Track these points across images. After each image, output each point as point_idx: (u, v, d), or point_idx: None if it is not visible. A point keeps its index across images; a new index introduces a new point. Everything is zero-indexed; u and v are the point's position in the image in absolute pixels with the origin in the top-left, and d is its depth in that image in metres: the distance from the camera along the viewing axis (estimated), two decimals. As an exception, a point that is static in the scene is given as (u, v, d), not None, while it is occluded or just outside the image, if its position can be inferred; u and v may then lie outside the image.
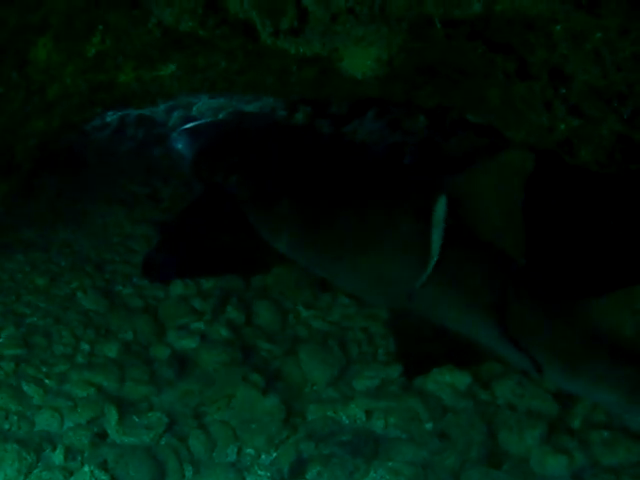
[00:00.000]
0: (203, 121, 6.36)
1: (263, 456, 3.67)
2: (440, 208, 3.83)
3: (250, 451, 3.69)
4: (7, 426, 3.62)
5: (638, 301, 3.66)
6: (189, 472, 3.54)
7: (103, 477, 3.30)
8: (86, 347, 4.16)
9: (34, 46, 3.00)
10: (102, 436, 3.63)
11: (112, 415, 3.66)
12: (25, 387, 3.84)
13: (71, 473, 3.35)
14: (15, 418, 3.65)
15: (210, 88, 3.50)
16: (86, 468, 3.31)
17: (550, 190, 4.54)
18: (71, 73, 3.21)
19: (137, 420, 3.70)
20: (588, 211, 4.62)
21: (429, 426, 3.81)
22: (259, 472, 3.60)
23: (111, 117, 7.01)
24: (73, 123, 3.73)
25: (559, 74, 2.68)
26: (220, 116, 6.97)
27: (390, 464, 3.57)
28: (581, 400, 3.94)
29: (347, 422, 3.87)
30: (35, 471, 3.40)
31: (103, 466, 3.36)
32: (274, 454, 3.66)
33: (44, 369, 3.97)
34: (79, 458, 3.47)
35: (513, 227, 3.98)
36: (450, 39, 2.90)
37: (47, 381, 3.91)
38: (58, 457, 3.46)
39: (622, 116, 2.62)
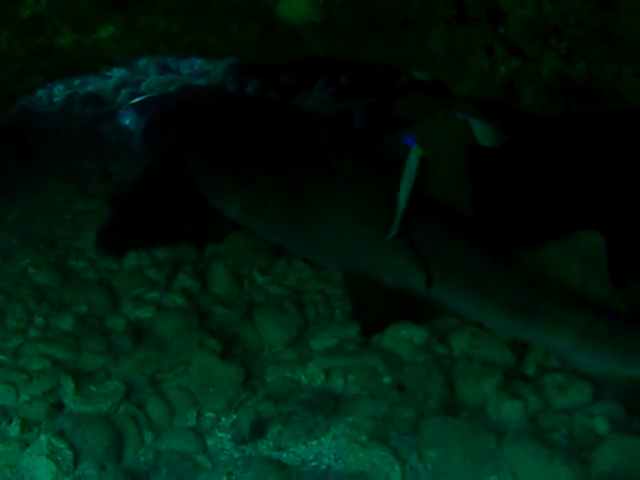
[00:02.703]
0: (150, 95, 6.31)
1: (223, 419, 3.67)
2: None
3: (210, 415, 3.69)
4: (-40, 402, 3.58)
5: (583, 246, 3.70)
6: (149, 438, 3.53)
7: (60, 445, 3.26)
8: (40, 321, 4.12)
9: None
10: (59, 407, 3.60)
11: (68, 385, 3.63)
12: (-21, 363, 3.79)
13: (27, 444, 3.31)
14: (-32, 394, 3.61)
15: (151, 50, 3.45)
16: (42, 438, 3.28)
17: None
18: (7, 37, 3.15)
19: (94, 389, 3.67)
20: (533, 159, 4.66)
21: (387, 380, 3.83)
22: (219, 434, 3.60)
23: (58, 97, 6.94)
24: (14, 93, 3.67)
25: (496, 13, 2.68)
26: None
27: (350, 419, 3.59)
28: (535, 347, 3.98)
29: (306, 382, 3.88)
30: (-9, 444, 3.37)
31: (60, 435, 3.32)
32: (234, 416, 3.66)
33: (-3, 344, 3.93)
34: (36, 429, 3.44)
35: (459, 180, 4.02)
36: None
37: (1, 356, 3.86)
38: (14, 429, 3.43)
39: (559, 52, 2.63)
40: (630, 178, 4.54)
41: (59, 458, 3.23)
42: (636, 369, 3.66)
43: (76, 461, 3.25)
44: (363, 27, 3.31)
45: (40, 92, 6.89)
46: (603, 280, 3.70)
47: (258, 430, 3.56)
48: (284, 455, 3.47)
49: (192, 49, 3.56)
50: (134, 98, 6.31)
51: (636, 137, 4.40)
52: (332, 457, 3.49)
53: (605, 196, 4.53)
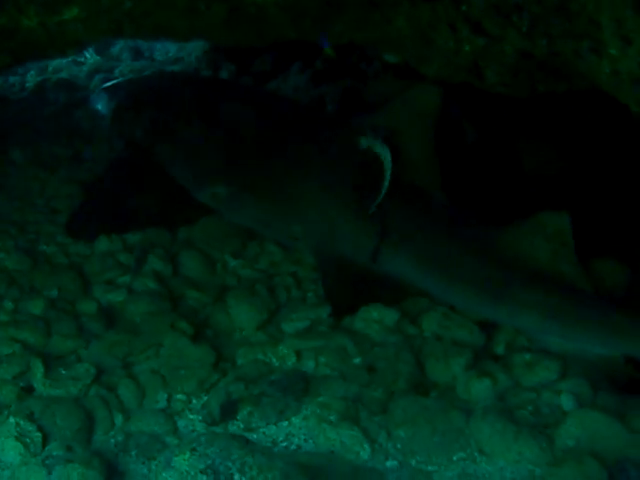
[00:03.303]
0: (121, 79, 6.27)
1: (194, 400, 3.68)
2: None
3: (180, 397, 3.69)
4: None
5: (550, 226, 3.73)
6: (119, 420, 3.54)
7: (29, 427, 3.26)
8: (9, 305, 4.10)
9: None
10: (29, 390, 3.59)
11: (38, 369, 3.63)
12: (-53, 347, 3.78)
13: (-3, 426, 3.31)
14: (-63, 378, 3.60)
15: (117, 31, 3.44)
16: (11, 419, 3.28)
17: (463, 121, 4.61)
18: (-30, 18, 3.14)
19: (64, 372, 3.68)
20: (501, 139, 4.69)
21: (358, 361, 3.85)
22: (190, 416, 3.62)
23: (30, 83, 6.89)
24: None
25: (459, -9, 2.70)
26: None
27: (320, 399, 3.62)
28: (505, 327, 4.01)
29: (277, 364, 3.90)
30: (-40, 427, 3.36)
31: (29, 417, 3.32)
32: (205, 398, 3.67)
33: (-34, 329, 3.91)
34: (5, 412, 3.43)
35: (428, 163, 4.04)
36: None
37: (-30, 340, 3.85)
38: (-17, 412, 3.43)
39: (521, 30, 2.65)
40: (596, 159, 4.58)
41: (27, 440, 3.23)
42: (602, 347, 3.69)
43: (45, 443, 3.25)
44: (330, 7, 3.32)
45: (12, 79, 6.85)
46: (570, 260, 3.74)
47: (229, 411, 3.58)
48: (254, 436, 3.48)
49: (159, 30, 3.54)
50: (106, 83, 6.26)
51: (601, 119, 4.43)
52: (302, 437, 3.51)
53: (572, 177, 4.56)
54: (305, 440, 3.50)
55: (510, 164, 4.64)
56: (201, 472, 2.85)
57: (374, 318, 4.08)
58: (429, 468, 3.38)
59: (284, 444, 3.48)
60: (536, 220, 3.77)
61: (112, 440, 3.45)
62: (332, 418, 3.52)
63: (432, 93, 3.83)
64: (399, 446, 3.46)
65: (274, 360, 3.91)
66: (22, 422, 3.28)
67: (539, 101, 3.52)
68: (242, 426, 3.53)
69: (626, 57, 2.54)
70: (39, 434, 3.27)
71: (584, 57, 2.55)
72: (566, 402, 3.58)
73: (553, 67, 2.82)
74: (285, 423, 3.57)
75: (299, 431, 3.54)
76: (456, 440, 3.44)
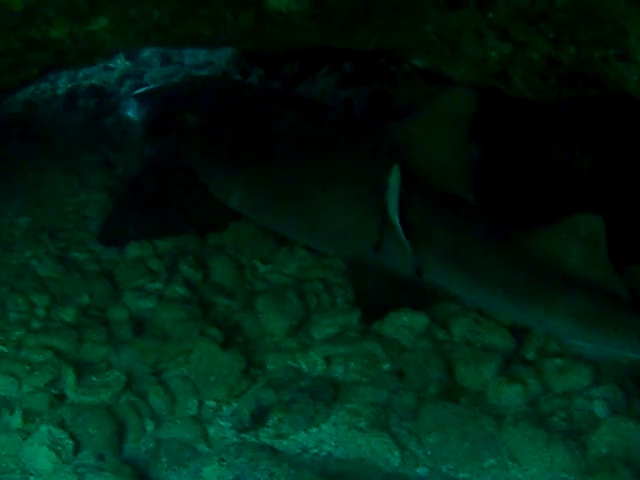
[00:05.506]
0: (152, 86, 6.31)
1: (224, 407, 3.69)
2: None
3: (211, 403, 3.70)
4: (-38, 393, 3.61)
5: (582, 229, 3.69)
6: (150, 427, 3.55)
7: (61, 435, 3.29)
8: (42, 313, 4.13)
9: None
10: (61, 397, 3.62)
11: (70, 376, 3.65)
12: (-20, 355, 3.82)
13: (29, 434, 3.34)
14: (-30, 385, 3.64)
15: (145, 41, 3.45)
16: (44, 427, 3.30)
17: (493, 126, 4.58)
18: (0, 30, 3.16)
19: (95, 380, 3.69)
20: (531, 144, 4.65)
21: (387, 367, 3.84)
22: (220, 423, 3.62)
23: (61, 89, 6.95)
24: (9, 85, 3.67)
25: (485, -1, 2.68)
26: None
27: (350, 405, 3.61)
28: (536, 332, 3.98)
29: (307, 370, 3.89)
30: (-7, 435, 3.40)
31: (61, 425, 3.35)
32: (235, 405, 3.68)
33: (0, 337, 3.95)
34: (37, 420, 3.46)
35: (460, 167, 4.02)
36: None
37: (3, 348, 3.88)
38: (16, 420, 3.45)
39: (548, 37, 2.62)
40: (630, 163, 4.52)
41: (59, 448, 3.25)
42: (636, 352, 3.65)
43: (76, 451, 3.27)
44: (356, 14, 3.31)
45: (43, 85, 6.90)
46: (602, 263, 3.70)
47: (259, 418, 3.58)
48: (284, 443, 3.48)
49: (186, 39, 3.56)
50: (137, 89, 6.30)
51: (635, 122, 4.37)
52: (332, 444, 3.50)
53: (605, 180, 4.51)
54: (335, 447, 3.49)
55: (542, 166, 4.60)
56: (230, 482, 2.85)
57: (404, 323, 4.06)
58: (460, 475, 3.36)
59: (314, 451, 3.48)
60: (569, 222, 3.73)
61: (143, 447, 3.47)
62: (362, 424, 3.52)
63: (467, 96, 3.80)
64: (429, 453, 3.45)
65: (304, 366, 3.90)
66: (54, 430, 3.30)
67: (571, 103, 3.48)
68: (272, 433, 3.53)
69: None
70: (71, 442, 3.29)
71: (612, 64, 2.53)
72: (599, 409, 3.54)
73: (582, 73, 2.79)
74: (315, 430, 3.57)
75: (329, 438, 3.53)
76: (487, 447, 3.42)
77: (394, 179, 3.84)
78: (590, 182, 4.51)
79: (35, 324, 4.05)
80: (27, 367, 3.72)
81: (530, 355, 3.92)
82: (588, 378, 3.69)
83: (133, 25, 3.34)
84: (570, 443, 3.32)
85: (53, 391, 3.63)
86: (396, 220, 3.88)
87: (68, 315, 4.11)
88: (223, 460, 2.79)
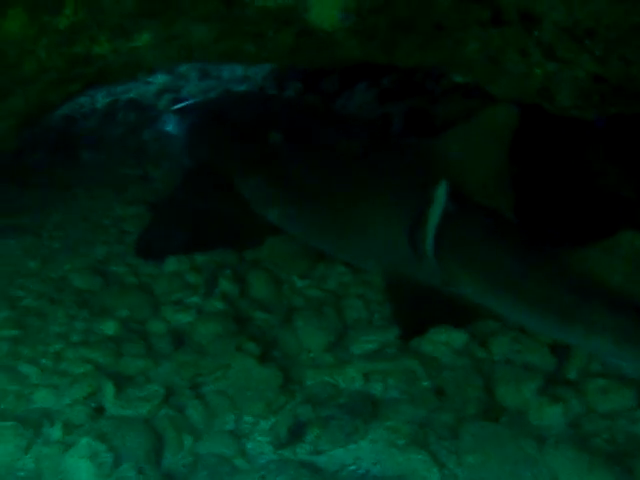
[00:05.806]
0: (192, 101, 6.36)
1: (262, 422, 3.67)
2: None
3: (248, 418, 3.69)
4: (3, 405, 3.62)
5: (625, 248, 3.65)
6: (188, 441, 3.54)
7: (100, 447, 3.29)
8: (81, 326, 4.16)
9: (4, 18, 2.98)
10: (100, 410, 3.63)
11: (109, 389, 3.66)
12: (21, 367, 3.84)
13: (69, 446, 3.35)
14: (12, 397, 3.65)
15: (187, 57, 3.48)
16: (84, 440, 3.31)
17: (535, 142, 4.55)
18: (45, 46, 3.19)
19: (134, 393, 3.70)
20: (572, 160, 4.61)
21: (426, 384, 3.81)
22: (258, 438, 3.60)
23: (100, 103, 7.03)
24: (53, 101, 3.71)
25: (530, 17, 2.66)
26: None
27: (388, 423, 3.58)
28: (578, 351, 3.93)
29: (345, 386, 3.87)
30: (34, 446, 3.41)
31: (100, 438, 3.36)
32: (272, 420, 3.66)
33: (40, 349, 3.97)
34: (77, 432, 3.47)
35: (501, 183, 4.00)
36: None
37: (43, 360, 3.91)
38: (56, 432, 3.46)
39: (594, 54, 2.60)
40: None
41: (99, 461, 3.25)
42: (680, 373, 3.60)
43: (116, 464, 3.27)
44: (397, 31, 3.31)
45: (82, 99, 6.98)
46: (645, 282, 3.65)
47: (296, 434, 3.56)
48: (322, 459, 3.46)
49: (226, 55, 3.57)
50: (175, 104, 6.36)
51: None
52: (370, 461, 3.47)
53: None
54: (374, 464, 3.46)
55: (585, 184, 4.56)
56: (271, 500, 2.83)
57: (442, 340, 4.03)
58: (500, 496, 3.32)
59: (352, 467, 3.45)
60: (612, 240, 3.69)
61: (181, 462, 3.46)
62: (401, 442, 3.49)
63: (509, 113, 3.79)
64: (468, 472, 3.40)
65: (341, 382, 3.88)
66: (94, 442, 3.31)
67: (614, 121, 3.45)
68: (309, 449, 3.50)
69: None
70: (110, 455, 3.30)
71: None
72: (643, 431, 3.50)
73: (629, 91, 2.76)
74: (353, 446, 3.53)
75: (368, 455, 3.50)
76: (527, 468, 3.35)
77: (440, 194, 3.82)
78: (631, 200, 4.47)
79: (75, 337, 4.08)
80: (67, 379, 3.74)
81: (572, 375, 3.87)
82: (631, 399, 3.63)
83: (176, 41, 3.36)
84: (614, 466, 3.26)
85: (92, 404, 3.64)
86: (431, 234, 3.86)
87: (109, 328, 4.14)
88: (264, 478, 2.77)
